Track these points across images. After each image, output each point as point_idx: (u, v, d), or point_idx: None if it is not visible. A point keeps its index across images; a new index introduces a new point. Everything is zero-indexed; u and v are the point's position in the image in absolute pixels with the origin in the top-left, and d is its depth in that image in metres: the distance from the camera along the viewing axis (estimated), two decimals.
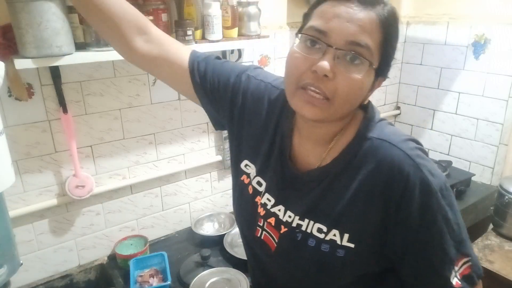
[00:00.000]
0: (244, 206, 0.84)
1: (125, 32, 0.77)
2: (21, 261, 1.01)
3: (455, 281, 0.66)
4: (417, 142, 0.70)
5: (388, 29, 0.63)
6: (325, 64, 0.60)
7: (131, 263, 1.37)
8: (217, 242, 1.58)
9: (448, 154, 2.20)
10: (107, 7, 0.74)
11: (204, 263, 1.40)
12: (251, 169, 0.82)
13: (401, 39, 0.68)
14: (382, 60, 0.64)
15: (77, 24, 1.16)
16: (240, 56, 1.63)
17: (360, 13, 0.60)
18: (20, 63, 1.06)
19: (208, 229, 1.71)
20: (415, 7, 2.18)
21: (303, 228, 0.72)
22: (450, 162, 2.06)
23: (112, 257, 1.52)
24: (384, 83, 0.71)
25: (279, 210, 0.76)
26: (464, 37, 1.99)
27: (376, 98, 2.31)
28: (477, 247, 1.65)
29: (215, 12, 1.34)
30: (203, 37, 1.40)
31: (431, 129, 2.27)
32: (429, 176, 0.64)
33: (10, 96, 1.21)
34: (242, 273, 1.32)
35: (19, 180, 1.29)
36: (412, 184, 0.64)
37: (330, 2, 0.63)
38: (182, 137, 1.62)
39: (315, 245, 0.71)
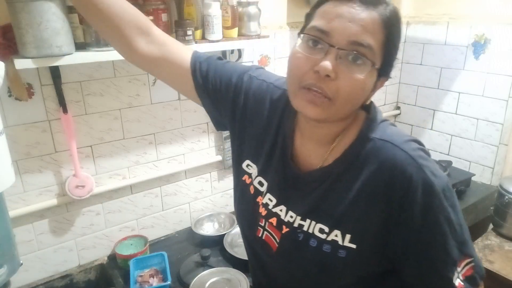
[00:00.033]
0: (246, 206, 0.84)
1: (127, 33, 0.77)
2: (21, 261, 1.01)
3: (457, 282, 0.66)
4: (420, 143, 0.69)
5: (390, 29, 0.62)
6: (327, 64, 0.60)
7: (131, 263, 1.37)
8: (217, 242, 1.58)
9: (448, 154, 2.20)
10: (108, 8, 0.74)
11: (204, 263, 1.40)
12: (253, 169, 0.82)
13: (401, 39, 0.68)
14: (384, 60, 0.64)
15: (77, 24, 1.16)
16: (240, 56, 1.63)
17: (362, 13, 0.60)
18: (20, 63, 1.06)
19: (208, 229, 1.71)
20: (415, 7, 2.18)
21: (305, 229, 0.72)
22: (450, 162, 2.06)
23: (112, 257, 1.52)
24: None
25: (281, 210, 0.76)
26: (464, 37, 1.99)
27: (376, 98, 2.30)
28: (477, 247, 1.65)
29: (215, 12, 1.34)
30: (203, 37, 1.40)
31: (431, 129, 2.26)
32: (432, 177, 0.64)
33: (10, 96, 1.21)
34: (242, 273, 1.32)
35: (19, 180, 1.29)
36: (414, 185, 0.63)
37: (332, 2, 0.63)
38: (182, 137, 1.62)
39: (317, 246, 0.71)
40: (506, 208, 1.67)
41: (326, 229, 0.70)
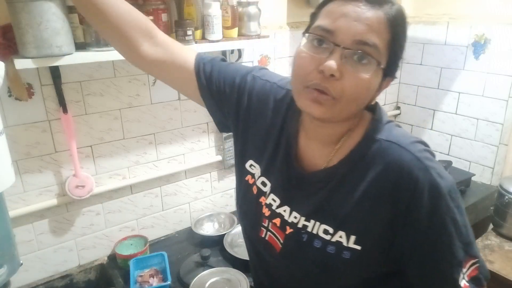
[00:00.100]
0: (248, 206, 0.83)
1: (132, 37, 0.77)
2: (21, 261, 1.01)
3: (463, 283, 0.66)
4: (425, 144, 0.69)
5: (396, 28, 0.62)
6: (332, 63, 0.59)
7: (131, 263, 1.37)
8: (217, 242, 1.58)
9: (448, 154, 2.20)
10: (114, 13, 0.75)
11: (204, 263, 1.40)
12: (256, 169, 0.82)
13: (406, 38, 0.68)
14: (390, 60, 0.64)
15: (77, 24, 1.16)
16: (240, 56, 1.63)
17: (368, 12, 0.60)
18: (20, 63, 1.06)
19: (208, 229, 1.71)
20: (415, 7, 2.18)
21: (309, 229, 0.72)
22: (450, 162, 2.06)
23: (112, 257, 1.52)
24: None
25: (285, 211, 0.75)
26: (464, 37, 1.99)
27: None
28: None
29: (215, 12, 1.34)
30: (203, 37, 1.40)
31: (431, 129, 2.26)
32: (438, 178, 0.64)
33: (10, 96, 1.21)
34: (242, 273, 1.32)
35: (19, 180, 1.29)
36: (421, 186, 0.63)
37: (338, 1, 0.62)
38: (182, 137, 1.62)
39: (321, 247, 0.70)
40: (506, 208, 1.67)
41: (331, 230, 0.69)
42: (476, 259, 0.68)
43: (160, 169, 1.59)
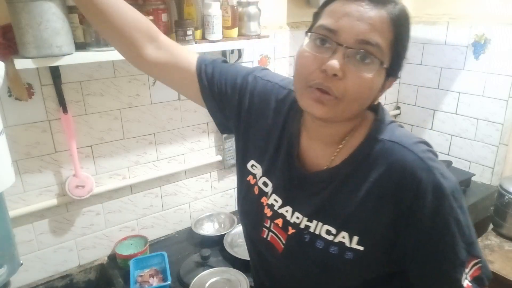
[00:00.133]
0: (250, 207, 0.83)
1: (136, 39, 0.78)
2: (21, 261, 1.01)
3: (465, 283, 0.66)
4: (428, 145, 0.69)
5: (399, 28, 0.62)
6: (334, 63, 0.59)
7: (131, 263, 1.37)
8: (217, 242, 1.58)
9: (448, 154, 2.20)
10: (119, 17, 0.75)
11: (204, 263, 1.40)
12: (257, 170, 0.81)
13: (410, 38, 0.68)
14: (393, 60, 0.63)
15: (77, 24, 1.16)
16: (240, 56, 1.63)
17: (371, 12, 0.59)
18: (20, 63, 1.06)
19: (208, 229, 1.71)
20: (415, 7, 2.18)
21: (311, 230, 0.71)
22: (450, 162, 2.06)
23: (112, 257, 1.52)
24: None
25: (287, 211, 0.75)
26: (464, 37, 1.99)
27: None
28: None
29: (215, 12, 1.34)
30: (203, 37, 1.40)
31: (431, 129, 2.26)
32: (441, 178, 0.64)
33: (10, 96, 1.21)
34: (242, 273, 1.32)
35: (19, 180, 1.29)
36: (424, 187, 0.63)
37: (341, 0, 0.62)
38: (182, 137, 1.62)
39: (324, 247, 0.70)
40: (506, 208, 1.67)
41: (333, 231, 0.69)
42: (479, 259, 0.67)
43: (160, 169, 1.59)
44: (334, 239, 0.69)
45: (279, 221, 0.76)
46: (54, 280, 1.42)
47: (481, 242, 1.69)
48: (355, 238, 0.68)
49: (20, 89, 1.21)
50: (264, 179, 0.80)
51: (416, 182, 0.63)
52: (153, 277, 1.35)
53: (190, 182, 1.70)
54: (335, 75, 0.60)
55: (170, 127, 1.57)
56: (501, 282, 1.49)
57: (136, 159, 1.53)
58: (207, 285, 1.29)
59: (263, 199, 0.79)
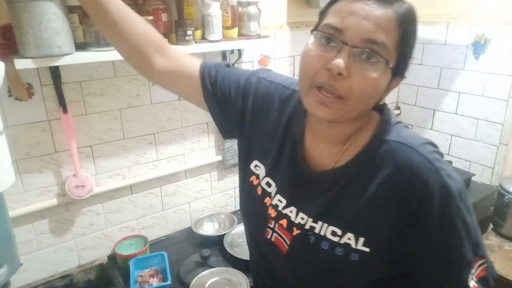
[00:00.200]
0: (253, 207, 0.83)
1: (147, 51, 0.80)
2: (21, 261, 1.01)
3: (471, 283, 0.65)
4: (434, 145, 0.68)
5: (406, 27, 0.61)
6: (339, 62, 0.59)
7: (131, 263, 1.37)
8: (217, 242, 1.58)
9: (448, 154, 2.20)
10: (132, 30, 0.77)
11: (204, 263, 1.40)
12: (261, 170, 0.81)
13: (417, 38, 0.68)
14: (399, 59, 0.63)
15: (77, 24, 1.16)
16: (240, 56, 1.63)
17: (377, 11, 0.59)
18: (20, 63, 1.06)
19: (208, 229, 1.71)
20: (415, 7, 2.18)
21: (317, 231, 0.71)
22: (450, 162, 2.06)
23: (112, 257, 1.52)
24: None
25: (291, 212, 0.75)
26: (464, 37, 1.99)
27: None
28: None
29: (215, 12, 1.34)
30: (203, 37, 1.40)
31: (431, 129, 2.26)
32: (448, 180, 0.63)
33: (10, 96, 1.21)
34: (242, 273, 1.32)
35: (19, 180, 1.29)
36: (431, 188, 0.63)
37: None
38: (182, 137, 1.62)
39: (329, 249, 0.69)
40: (506, 208, 1.67)
41: (339, 232, 0.69)
42: (484, 260, 0.67)
43: (160, 169, 1.59)
44: (339, 240, 0.69)
45: (284, 222, 0.75)
46: (54, 280, 1.42)
47: None
48: (361, 240, 0.67)
49: (20, 89, 1.21)
50: (268, 179, 0.79)
51: (423, 183, 0.63)
52: (153, 277, 1.35)
53: (190, 182, 1.70)
54: (340, 74, 0.59)
55: (170, 127, 1.57)
56: (501, 282, 1.49)
57: (136, 159, 1.53)
58: (207, 285, 1.29)
59: (267, 200, 0.79)
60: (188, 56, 0.85)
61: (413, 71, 2.27)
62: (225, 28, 1.42)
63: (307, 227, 0.72)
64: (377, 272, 0.70)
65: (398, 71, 0.64)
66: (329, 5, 0.65)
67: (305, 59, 0.65)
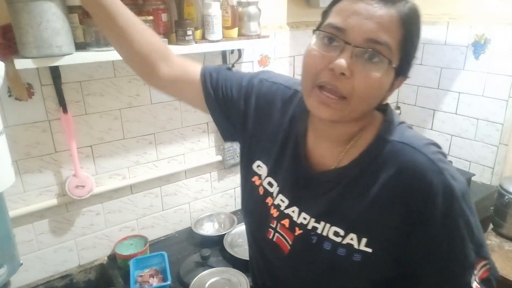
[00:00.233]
0: (254, 207, 0.83)
1: (153, 60, 0.81)
2: (21, 261, 1.01)
3: (474, 285, 0.65)
4: (438, 146, 0.68)
5: (409, 26, 0.61)
6: (342, 62, 0.59)
7: (131, 263, 1.37)
8: (217, 242, 1.58)
9: (448, 154, 2.20)
10: (139, 39, 0.78)
11: (204, 263, 1.40)
12: (263, 170, 0.81)
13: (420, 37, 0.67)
14: (402, 59, 0.62)
15: (77, 24, 1.16)
16: (240, 56, 1.63)
17: (380, 10, 0.59)
18: (20, 63, 1.06)
19: (208, 229, 1.71)
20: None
21: (319, 231, 0.71)
22: (450, 162, 2.06)
23: (112, 257, 1.52)
24: None
25: (293, 212, 0.74)
26: (464, 37, 1.99)
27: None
28: None
29: (215, 12, 1.34)
30: (203, 37, 1.40)
31: (431, 129, 2.27)
32: (452, 180, 0.63)
33: (10, 96, 1.21)
34: (242, 273, 1.32)
35: (19, 180, 1.29)
36: (435, 189, 0.62)
37: None
38: (182, 137, 1.62)
39: (331, 249, 0.69)
40: (506, 208, 1.68)
41: (342, 232, 0.68)
42: (487, 261, 0.67)
43: (160, 169, 1.59)
44: (342, 241, 0.68)
45: (286, 222, 0.75)
46: (54, 280, 1.42)
47: None
48: (364, 240, 0.67)
49: (20, 89, 1.21)
50: (269, 179, 0.79)
51: (426, 184, 0.63)
52: (153, 277, 1.35)
53: (190, 182, 1.70)
54: (342, 74, 0.59)
55: (170, 127, 1.57)
56: (501, 282, 1.48)
57: (136, 159, 1.53)
58: (207, 285, 1.29)
59: (268, 200, 0.79)
60: (191, 62, 0.86)
61: (413, 71, 2.26)
62: (225, 28, 1.42)
63: (309, 227, 0.72)
64: (379, 273, 0.70)
65: (401, 70, 0.64)
66: (332, 5, 0.65)
67: (307, 59, 0.64)
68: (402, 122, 0.71)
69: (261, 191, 0.81)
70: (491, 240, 1.70)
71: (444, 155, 0.68)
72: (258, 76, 0.84)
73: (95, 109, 1.38)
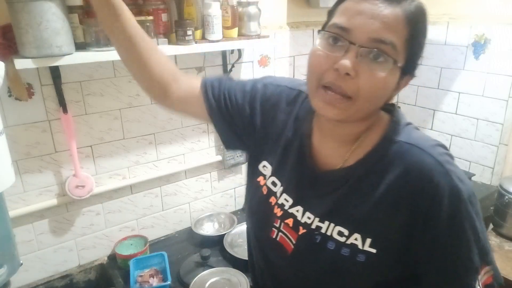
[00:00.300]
0: (257, 207, 0.83)
1: (165, 81, 0.82)
2: (21, 261, 1.01)
3: None
4: (445, 148, 0.68)
5: (415, 25, 0.60)
6: (346, 62, 0.59)
7: (131, 263, 1.37)
8: (217, 242, 1.58)
9: None
10: (154, 62, 0.80)
11: (204, 263, 1.40)
12: (267, 170, 0.81)
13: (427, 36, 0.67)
14: (408, 58, 0.62)
15: (77, 24, 1.16)
16: (240, 56, 1.63)
17: (385, 10, 0.58)
18: (20, 63, 1.06)
19: (208, 229, 1.71)
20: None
21: (323, 231, 0.70)
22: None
23: (112, 257, 1.52)
24: None
25: (297, 211, 0.74)
26: (464, 37, 1.99)
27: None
28: None
29: (215, 12, 1.34)
30: (203, 37, 1.40)
31: (431, 129, 2.26)
32: (459, 183, 0.62)
33: (10, 96, 1.21)
34: (242, 273, 1.33)
35: (19, 180, 1.29)
36: (441, 191, 0.62)
37: None
38: (182, 137, 1.62)
39: (335, 249, 0.69)
40: (506, 208, 1.67)
41: (346, 232, 0.68)
42: (491, 266, 0.67)
43: (160, 169, 1.59)
44: (346, 240, 0.68)
45: (290, 221, 0.75)
46: (54, 280, 1.42)
47: None
48: (368, 241, 0.66)
49: (20, 89, 1.21)
50: (273, 178, 0.79)
51: (433, 185, 0.62)
52: (153, 277, 1.36)
53: (190, 182, 1.70)
54: (347, 74, 0.59)
55: (170, 127, 1.57)
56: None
57: (136, 159, 1.53)
58: (207, 285, 1.29)
59: (272, 199, 0.79)
60: (196, 77, 0.88)
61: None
62: (225, 28, 1.42)
63: (313, 226, 0.72)
64: (383, 274, 0.69)
65: (408, 69, 0.64)
66: (337, 4, 0.65)
67: (312, 59, 0.64)
68: (409, 123, 0.71)
69: (264, 190, 0.81)
70: (491, 240, 1.70)
71: (452, 157, 0.67)
72: (262, 80, 0.85)
73: (95, 109, 1.38)
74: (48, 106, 1.28)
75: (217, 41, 1.40)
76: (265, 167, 0.82)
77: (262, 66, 1.75)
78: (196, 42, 1.36)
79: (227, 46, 1.45)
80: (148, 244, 1.52)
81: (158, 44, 1.28)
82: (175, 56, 1.47)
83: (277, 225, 0.77)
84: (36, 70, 1.23)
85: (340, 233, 0.69)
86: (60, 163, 1.35)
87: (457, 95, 2.09)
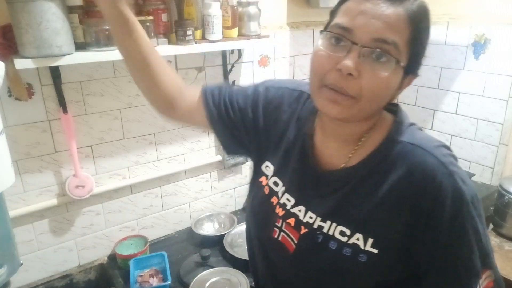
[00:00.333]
0: (259, 207, 0.83)
1: (172, 96, 0.84)
2: (21, 261, 1.01)
3: None
4: (449, 149, 0.68)
5: (417, 24, 0.60)
6: (349, 63, 0.59)
7: (131, 263, 1.37)
8: (217, 242, 1.58)
9: None
10: (163, 78, 0.82)
11: (204, 263, 1.40)
12: (270, 170, 0.82)
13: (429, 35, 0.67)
14: (411, 57, 0.62)
15: (77, 24, 1.16)
16: (240, 56, 1.63)
17: (387, 10, 0.58)
18: (20, 63, 1.06)
19: (208, 229, 1.71)
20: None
21: (325, 230, 0.70)
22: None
23: (112, 257, 1.52)
24: None
25: (299, 211, 0.74)
26: (464, 37, 1.99)
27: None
28: None
29: (215, 12, 1.34)
30: (203, 37, 1.40)
31: (431, 129, 2.26)
32: (462, 184, 0.62)
33: (10, 96, 1.21)
34: (242, 273, 1.33)
35: (19, 180, 1.29)
36: (444, 192, 0.62)
37: None
38: (182, 137, 1.62)
39: (337, 248, 0.69)
40: (506, 208, 1.67)
41: (348, 232, 0.68)
42: (493, 270, 0.66)
43: (160, 169, 1.59)
44: (348, 240, 0.68)
45: (292, 221, 0.75)
46: (54, 280, 1.42)
47: None
48: (370, 241, 0.66)
49: (20, 89, 1.21)
50: (275, 178, 0.80)
51: (436, 186, 0.62)
52: (153, 277, 1.35)
53: (190, 182, 1.70)
54: (350, 74, 0.59)
55: (170, 127, 1.57)
56: None
57: (136, 159, 1.53)
58: (207, 285, 1.29)
59: (273, 199, 0.79)
60: (198, 87, 0.88)
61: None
62: (225, 28, 1.42)
63: (315, 226, 0.72)
64: (384, 275, 0.69)
65: (410, 69, 0.64)
66: (339, 4, 0.65)
67: (315, 59, 0.64)
68: (412, 124, 0.71)
69: (266, 190, 0.81)
70: (491, 240, 1.70)
71: (455, 158, 0.67)
72: (263, 84, 0.85)
73: (95, 109, 1.38)
74: (48, 106, 1.28)
75: (217, 41, 1.40)
76: (268, 167, 0.82)
77: (262, 66, 1.75)
78: (196, 42, 1.36)
79: (227, 46, 1.45)
80: (148, 244, 1.52)
81: (158, 44, 1.28)
82: (175, 56, 1.47)
83: (279, 225, 0.77)
84: (36, 70, 1.23)
85: (342, 233, 0.69)
86: (60, 163, 1.35)
87: (457, 95, 2.08)
